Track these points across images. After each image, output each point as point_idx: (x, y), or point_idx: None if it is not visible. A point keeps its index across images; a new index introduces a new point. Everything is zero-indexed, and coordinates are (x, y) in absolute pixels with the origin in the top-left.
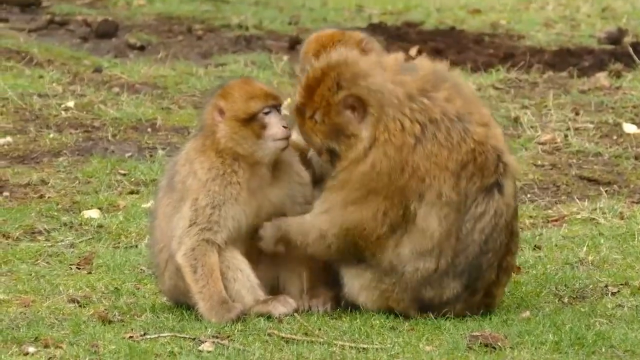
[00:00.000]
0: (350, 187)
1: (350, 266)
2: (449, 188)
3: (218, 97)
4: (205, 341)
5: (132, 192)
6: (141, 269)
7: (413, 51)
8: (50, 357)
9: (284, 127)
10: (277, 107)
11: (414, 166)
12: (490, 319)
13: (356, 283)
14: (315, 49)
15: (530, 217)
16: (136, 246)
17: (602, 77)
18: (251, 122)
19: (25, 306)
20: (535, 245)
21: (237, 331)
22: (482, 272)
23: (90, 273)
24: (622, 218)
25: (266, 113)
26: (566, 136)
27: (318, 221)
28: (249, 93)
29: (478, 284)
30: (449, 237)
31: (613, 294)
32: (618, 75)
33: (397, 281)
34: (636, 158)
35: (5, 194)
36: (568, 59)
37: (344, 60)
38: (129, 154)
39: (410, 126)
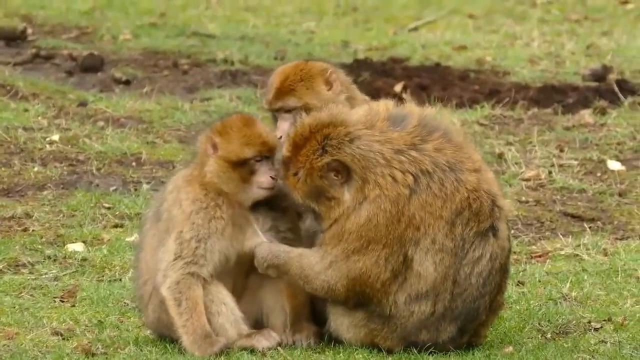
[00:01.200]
0: (348, 239)
1: (338, 304)
2: (443, 236)
3: (215, 131)
4: None
5: (116, 226)
6: (125, 302)
7: (398, 87)
8: None
9: (272, 177)
10: (270, 156)
11: (410, 216)
12: (473, 353)
13: (345, 321)
14: (280, 80)
15: (514, 252)
16: (120, 279)
17: (586, 114)
18: (241, 166)
19: (8, 339)
20: (518, 281)
21: None
22: (478, 315)
23: (74, 306)
24: (605, 254)
25: (258, 160)
26: (550, 172)
27: (324, 276)
28: (247, 138)
29: (471, 326)
30: (445, 281)
31: (596, 329)
32: (603, 112)
33: (387, 322)
34: (620, 195)
35: None
36: (553, 96)
37: (333, 122)
38: (114, 187)
39: (402, 177)
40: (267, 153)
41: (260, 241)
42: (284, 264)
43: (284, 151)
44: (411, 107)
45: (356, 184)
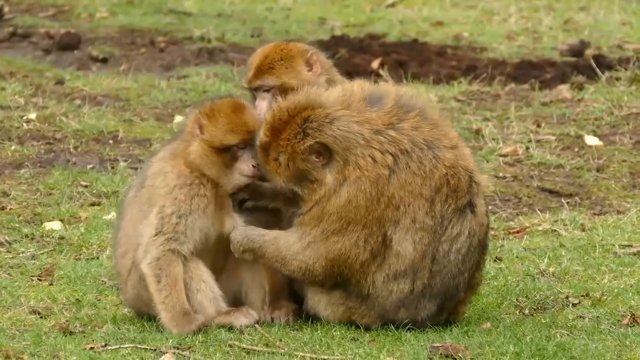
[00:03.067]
0: (328, 220)
1: (315, 284)
2: (423, 214)
3: (204, 113)
4: (167, 352)
5: (93, 204)
6: (102, 281)
7: (376, 63)
8: None
9: (253, 165)
10: (254, 143)
11: (389, 196)
12: (451, 330)
13: (323, 299)
14: (260, 59)
15: (492, 228)
16: (97, 258)
17: (564, 90)
18: (224, 152)
19: None
20: (496, 257)
21: (198, 342)
22: (457, 292)
23: (51, 284)
24: (583, 230)
25: (241, 148)
26: (528, 148)
27: (302, 256)
28: (232, 124)
29: (450, 303)
30: (424, 259)
31: (574, 305)
32: (580, 87)
33: (365, 301)
34: (597, 170)
35: None
36: (530, 72)
37: (310, 104)
38: (91, 165)
39: (381, 158)
40: (251, 142)
41: (237, 226)
42: (260, 247)
43: (261, 136)
44: (387, 87)
45: (337, 165)
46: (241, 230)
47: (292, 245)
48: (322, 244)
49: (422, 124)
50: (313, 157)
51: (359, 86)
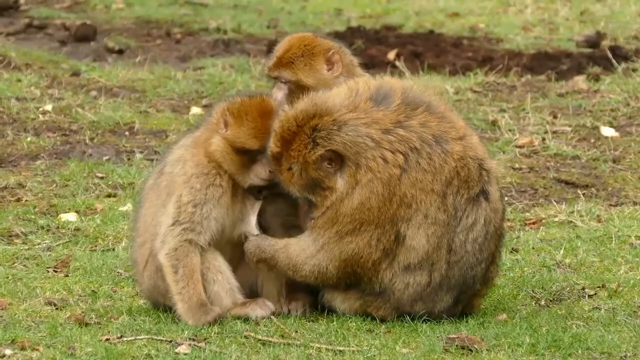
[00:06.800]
0: (341, 221)
1: (329, 287)
2: (435, 209)
3: (231, 110)
4: (182, 344)
5: (109, 196)
6: (118, 272)
7: (392, 55)
8: None
9: (270, 171)
10: None
11: (401, 195)
12: (467, 321)
13: (340, 295)
14: (283, 49)
15: (508, 220)
16: (113, 249)
17: (580, 81)
18: (244, 153)
19: (2, 309)
20: (512, 248)
21: (214, 334)
22: (474, 284)
23: (67, 276)
24: (599, 221)
25: (262, 152)
26: (544, 139)
27: (315, 259)
28: (256, 130)
29: (465, 296)
30: (439, 250)
31: (590, 296)
32: (596, 78)
33: (381, 294)
34: (614, 161)
35: None
36: (546, 63)
37: (318, 111)
38: (107, 157)
39: (392, 157)
40: None
41: (249, 239)
42: (272, 257)
43: (272, 146)
44: (392, 83)
45: (349, 170)
46: (253, 241)
47: (306, 249)
48: (335, 245)
49: (429, 118)
50: (325, 165)
51: (365, 84)
